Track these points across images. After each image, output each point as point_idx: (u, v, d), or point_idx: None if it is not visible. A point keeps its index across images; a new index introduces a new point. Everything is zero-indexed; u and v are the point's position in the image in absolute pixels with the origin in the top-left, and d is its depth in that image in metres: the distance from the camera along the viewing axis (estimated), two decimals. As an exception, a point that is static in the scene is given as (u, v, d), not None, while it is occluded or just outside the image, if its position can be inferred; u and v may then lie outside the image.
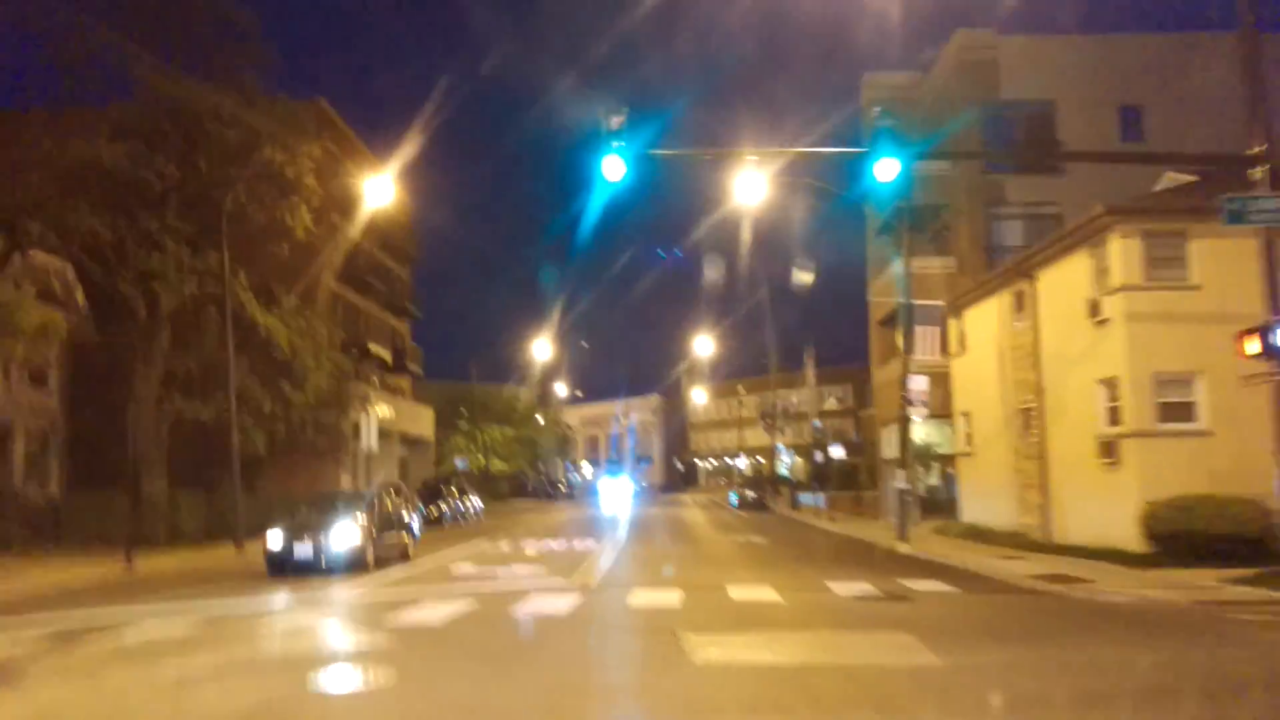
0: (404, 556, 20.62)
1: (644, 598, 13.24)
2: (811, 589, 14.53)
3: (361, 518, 18.58)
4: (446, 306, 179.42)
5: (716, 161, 19.68)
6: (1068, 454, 21.82)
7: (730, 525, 35.24)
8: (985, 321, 26.59)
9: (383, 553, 19.23)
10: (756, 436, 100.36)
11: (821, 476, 52.88)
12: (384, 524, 19.96)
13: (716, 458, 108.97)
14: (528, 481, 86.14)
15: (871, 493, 39.93)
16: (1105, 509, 19.86)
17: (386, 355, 48.70)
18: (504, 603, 12.65)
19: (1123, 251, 19.39)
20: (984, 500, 27.25)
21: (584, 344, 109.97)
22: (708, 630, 10.12)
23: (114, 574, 17.85)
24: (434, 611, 11.87)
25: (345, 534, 17.70)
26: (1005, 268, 25.40)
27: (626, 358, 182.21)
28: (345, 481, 40.89)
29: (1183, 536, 17.19)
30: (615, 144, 13.59)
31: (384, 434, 47.64)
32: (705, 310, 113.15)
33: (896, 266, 33.81)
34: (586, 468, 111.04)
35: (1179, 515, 17.38)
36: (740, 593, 13.71)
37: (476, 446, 71.60)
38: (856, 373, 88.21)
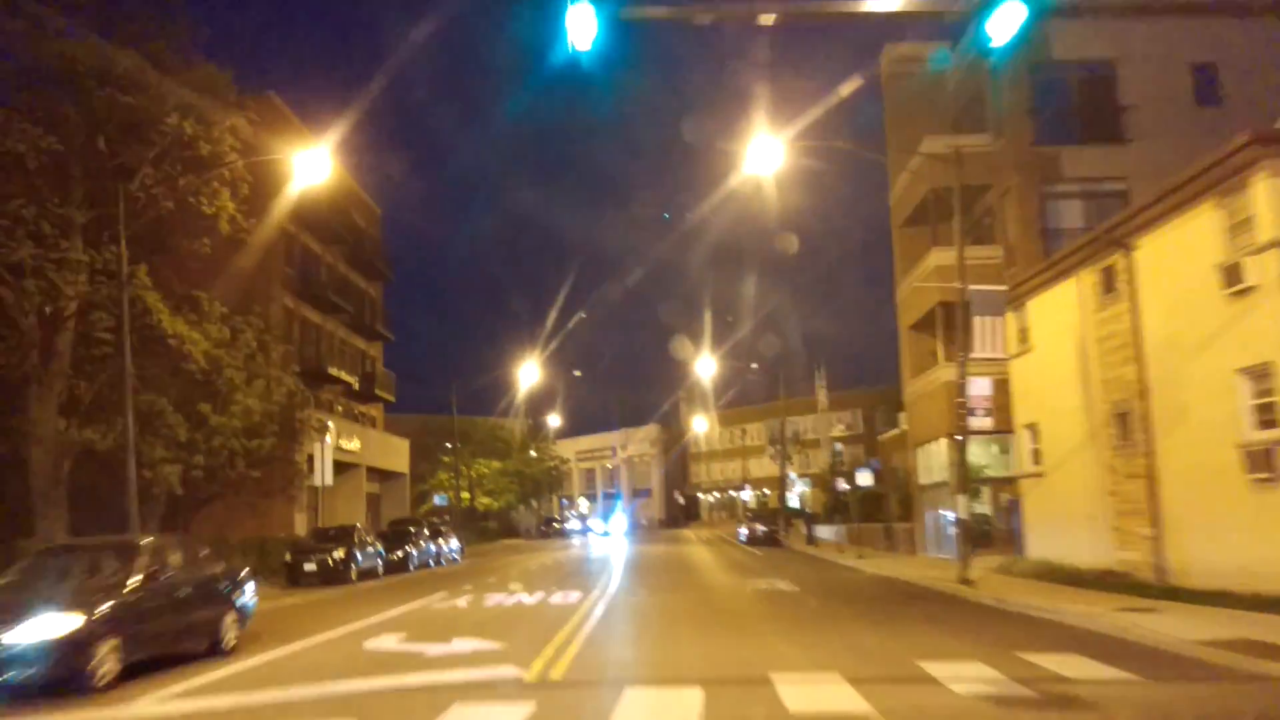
0: (216, 649, 12.34)
1: (641, 708, 8.17)
2: (903, 677, 9.45)
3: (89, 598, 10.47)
4: (430, 333, 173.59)
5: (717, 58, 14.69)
6: (1191, 470, 16.76)
7: (744, 566, 30.04)
8: (1058, 310, 21.61)
9: (165, 645, 11.44)
10: (761, 466, 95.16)
11: (840, 507, 47.73)
12: (164, 599, 11.51)
13: (720, 490, 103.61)
14: (518, 519, 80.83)
15: (903, 525, 34.75)
16: (1257, 541, 14.80)
17: (352, 380, 43.58)
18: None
19: (1276, 194, 14.47)
20: (1059, 531, 22.13)
21: (577, 373, 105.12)
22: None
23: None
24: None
25: (44, 626, 9.76)
26: (1084, 241, 20.45)
27: (623, 387, 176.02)
28: (300, 522, 35.74)
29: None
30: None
31: (349, 468, 42.50)
32: (706, 333, 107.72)
33: (934, 257, 29.00)
34: (583, 503, 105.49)
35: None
36: (798, 691, 8.61)
37: (462, 482, 66.31)
38: (866, 397, 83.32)
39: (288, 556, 27.25)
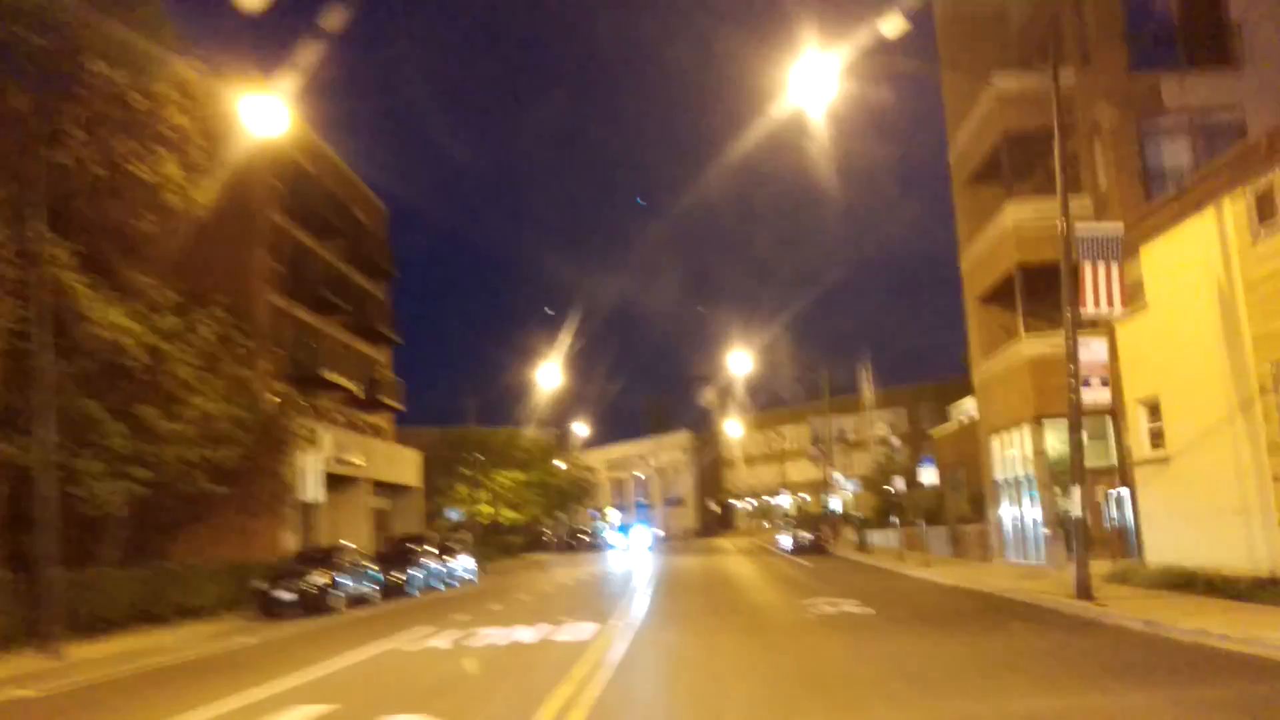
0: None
1: None
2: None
3: None
4: (448, 340, 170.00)
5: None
6: None
7: (795, 580, 25.79)
8: (1187, 254, 17.29)
9: None
10: (799, 471, 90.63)
11: (892, 510, 43.36)
12: None
13: (755, 497, 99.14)
14: (545, 532, 76.85)
15: (972, 526, 30.35)
16: None
17: (352, 386, 39.78)
18: None
19: None
20: (1191, 528, 17.75)
21: (605, 379, 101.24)
22: None
23: None
24: None
25: None
26: (1229, 158, 16.14)
27: (653, 393, 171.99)
28: (290, 543, 31.91)
29: None
30: None
31: (351, 482, 38.69)
32: (741, 330, 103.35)
33: (1011, 212, 24.77)
34: (613, 514, 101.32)
35: None
36: None
37: (483, 495, 62.47)
38: (910, 393, 78.54)
39: (260, 584, 23.36)
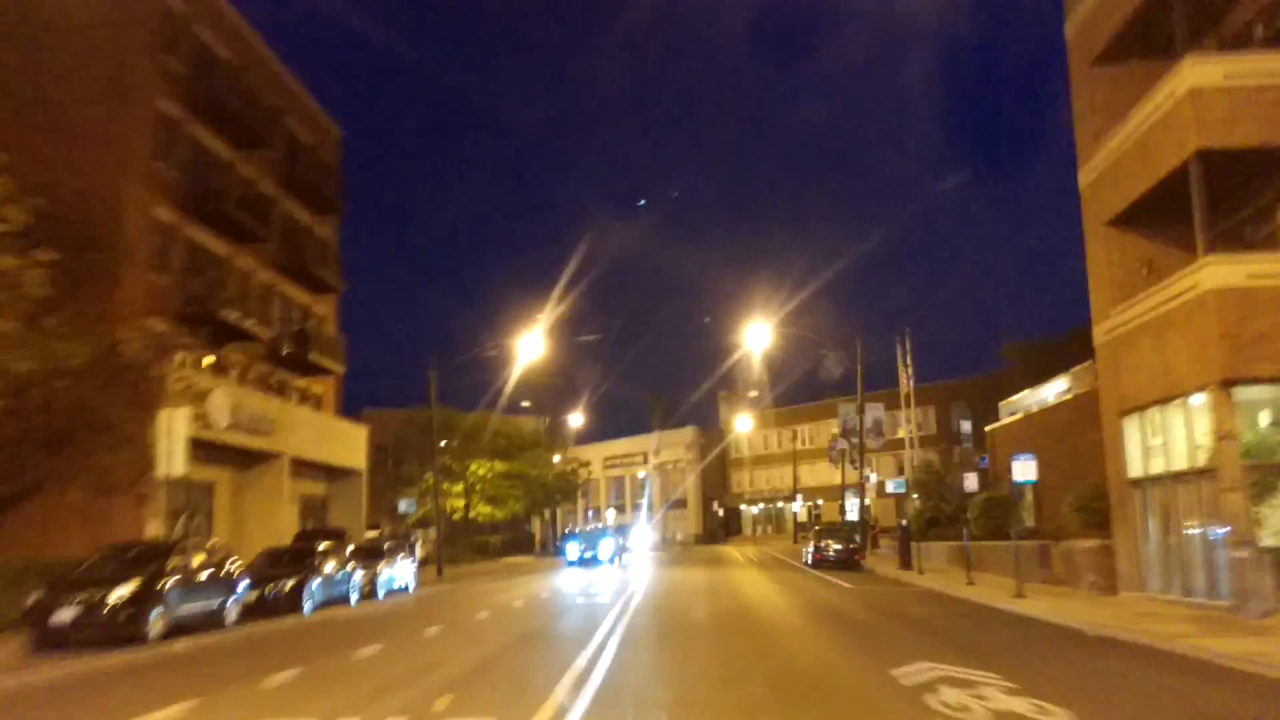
0: None
1: None
2: None
3: None
4: (429, 317, 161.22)
5: None
6: None
7: (852, 619, 17.28)
8: None
9: None
10: (814, 474, 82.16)
11: (944, 519, 35.15)
12: None
13: (766, 501, 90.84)
14: (531, 532, 68.61)
15: (1089, 543, 21.93)
16: None
17: (265, 334, 31.68)
18: None
19: None
20: None
21: (590, 338, 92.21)
22: None
23: None
24: None
25: None
26: None
27: (656, 383, 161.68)
28: (154, 530, 23.86)
29: None
30: None
31: (263, 458, 30.56)
32: (755, 309, 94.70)
33: (1190, 72, 16.50)
34: (610, 514, 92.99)
35: None
36: None
37: (454, 487, 54.30)
38: (937, 391, 69.94)
39: (34, 598, 15.25)
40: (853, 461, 66.85)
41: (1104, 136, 19.83)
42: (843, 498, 62.87)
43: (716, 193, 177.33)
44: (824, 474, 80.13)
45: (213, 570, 17.80)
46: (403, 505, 38.67)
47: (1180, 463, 17.34)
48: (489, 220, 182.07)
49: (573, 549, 43.83)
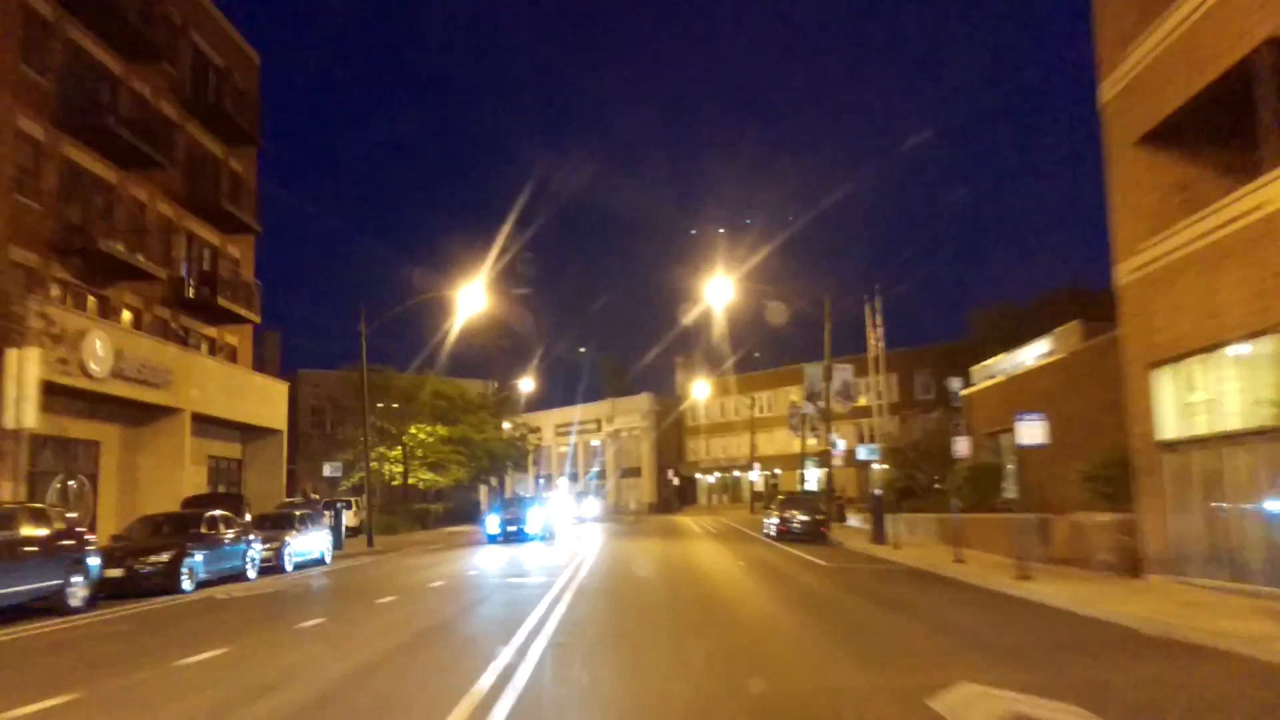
0: None
1: None
2: None
3: None
4: (365, 273, 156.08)
5: None
6: None
7: (846, 611, 14.22)
8: None
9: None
10: (772, 443, 79.65)
11: (922, 489, 32.54)
12: None
13: (722, 470, 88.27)
14: (477, 500, 65.26)
15: (1101, 518, 19.12)
16: None
17: (158, 273, 27.95)
18: None
19: None
20: None
21: (523, 291, 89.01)
22: None
23: None
24: None
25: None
26: None
27: (611, 351, 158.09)
28: (8, 494, 20.18)
29: None
30: None
31: (159, 412, 26.88)
32: (710, 260, 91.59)
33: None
34: (563, 483, 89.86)
35: None
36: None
37: (391, 451, 50.79)
38: (901, 358, 67.11)
39: None
40: (814, 429, 64.58)
41: (1135, 39, 16.78)
42: (803, 466, 60.31)
43: (675, 132, 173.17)
44: (782, 443, 77.66)
45: (46, 543, 14.30)
46: (328, 469, 35.04)
47: (1233, 422, 14.46)
48: (428, 165, 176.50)
49: (492, 521, 35.66)
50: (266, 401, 32.81)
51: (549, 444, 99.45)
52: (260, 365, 36.82)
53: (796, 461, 72.76)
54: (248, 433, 32.72)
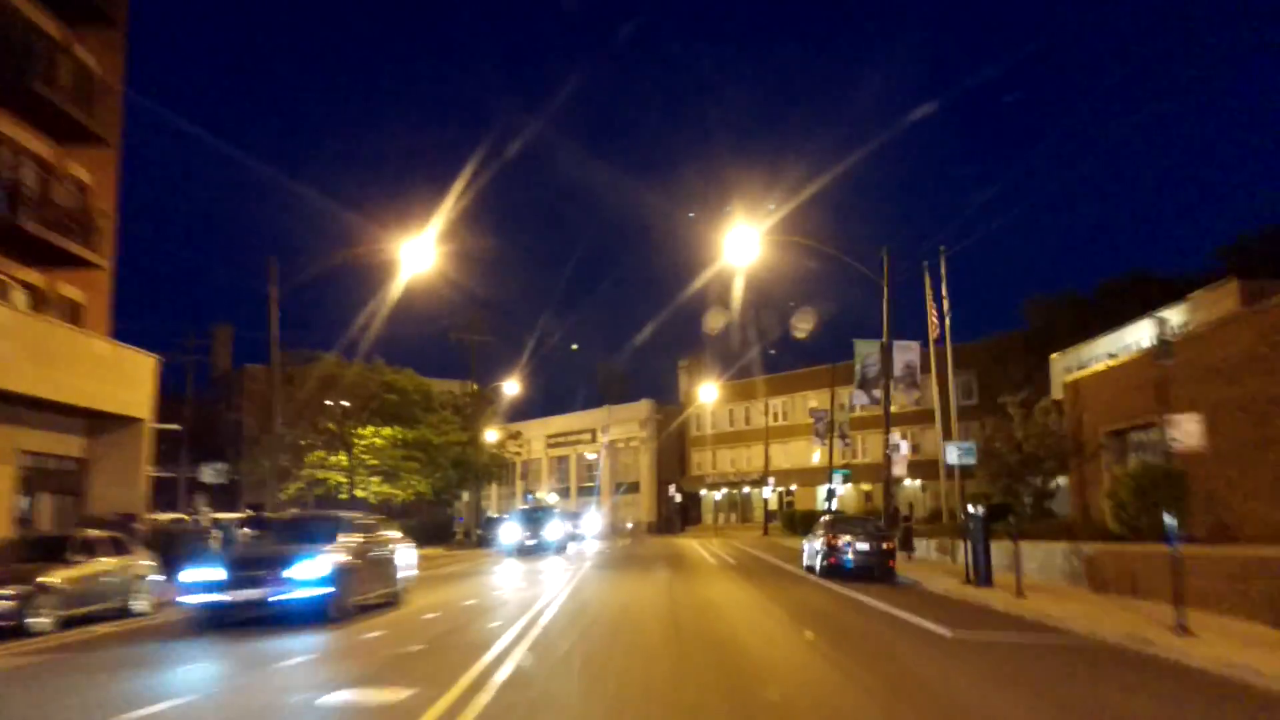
0: None
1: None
2: None
3: None
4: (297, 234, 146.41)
5: None
6: None
7: None
8: None
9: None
10: (788, 455, 70.56)
11: (1002, 511, 23.39)
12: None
13: (730, 485, 79.07)
14: (453, 516, 56.18)
15: None
16: None
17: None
18: None
19: None
20: None
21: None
22: None
23: None
24: None
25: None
26: None
27: (608, 355, 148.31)
28: None
29: None
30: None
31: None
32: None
33: None
34: (552, 497, 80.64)
35: None
36: None
37: (336, 457, 41.79)
38: (976, 350, 53.81)
39: None
40: (843, 437, 55.39)
41: None
42: (829, 480, 50.84)
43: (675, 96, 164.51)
44: (798, 455, 68.62)
45: None
46: (209, 474, 25.96)
47: None
48: (381, 99, 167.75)
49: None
50: (123, 379, 23.70)
51: (538, 456, 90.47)
52: (214, 361, 27.75)
53: (815, 476, 63.66)
54: (95, 423, 23.68)
